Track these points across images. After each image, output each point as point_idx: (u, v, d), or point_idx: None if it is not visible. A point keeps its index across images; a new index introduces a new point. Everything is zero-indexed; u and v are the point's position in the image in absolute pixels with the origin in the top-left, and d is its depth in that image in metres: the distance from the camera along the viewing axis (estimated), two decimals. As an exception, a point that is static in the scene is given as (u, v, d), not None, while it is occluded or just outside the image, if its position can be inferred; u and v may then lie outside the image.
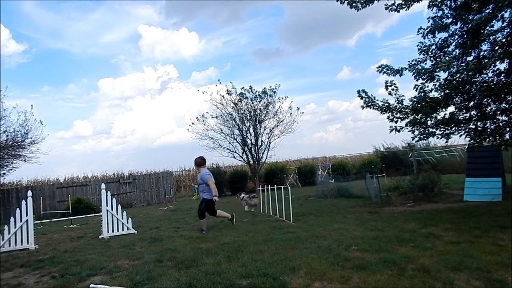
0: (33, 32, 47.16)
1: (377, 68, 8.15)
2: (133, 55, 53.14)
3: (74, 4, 46.81)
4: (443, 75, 7.64)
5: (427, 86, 7.83)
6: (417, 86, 7.88)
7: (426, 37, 8.03)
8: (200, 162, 7.62)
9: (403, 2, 7.73)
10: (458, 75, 7.29)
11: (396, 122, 8.01)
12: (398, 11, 7.92)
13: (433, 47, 8.06)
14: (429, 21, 8.00)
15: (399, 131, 8.00)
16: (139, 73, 52.33)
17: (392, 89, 8.00)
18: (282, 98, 19.61)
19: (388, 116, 8.05)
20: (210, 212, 7.53)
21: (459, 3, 7.29)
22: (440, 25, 7.71)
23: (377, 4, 8.04)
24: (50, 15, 46.64)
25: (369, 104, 8.09)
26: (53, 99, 47.55)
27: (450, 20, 7.68)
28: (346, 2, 7.91)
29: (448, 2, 7.56)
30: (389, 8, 7.94)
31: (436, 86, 7.69)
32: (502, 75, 7.50)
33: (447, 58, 7.73)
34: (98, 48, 50.11)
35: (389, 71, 8.07)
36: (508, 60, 7.23)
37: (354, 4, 7.93)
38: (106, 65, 51.99)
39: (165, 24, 53.53)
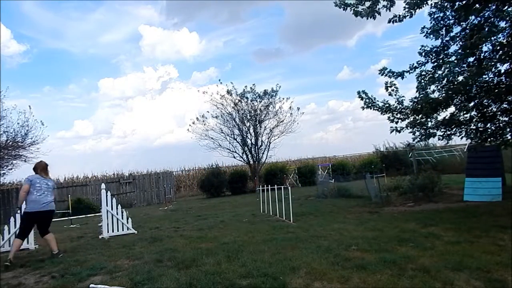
0: (33, 32, 47.18)
1: (379, 71, 8.20)
2: (133, 55, 53.17)
3: (74, 4, 46.79)
4: (443, 75, 7.65)
5: (429, 88, 7.85)
6: (418, 87, 7.90)
7: (428, 36, 8.06)
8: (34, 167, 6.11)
9: (406, 10, 7.69)
10: (459, 77, 7.31)
11: (396, 123, 8.04)
12: (401, 21, 7.91)
13: (434, 49, 8.10)
14: (431, 21, 8.03)
15: (399, 131, 8.03)
16: (139, 73, 52.37)
17: (392, 90, 8.04)
18: (283, 99, 19.66)
19: (389, 117, 8.09)
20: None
21: (460, 4, 7.30)
22: (443, 25, 7.73)
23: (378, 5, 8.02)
24: (51, 15, 46.66)
25: (370, 105, 8.13)
26: (53, 99, 47.60)
27: (452, 21, 7.70)
28: (350, 11, 7.86)
29: (449, 3, 7.57)
30: (392, 21, 7.92)
31: (438, 87, 7.71)
32: (503, 76, 7.51)
33: (448, 60, 7.74)
34: (98, 48, 50.12)
35: (391, 74, 8.10)
36: (509, 62, 7.24)
37: (358, 15, 7.91)
38: (106, 65, 52.01)
39: (166, 24, 53.54)
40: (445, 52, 7.98)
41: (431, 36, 8.03)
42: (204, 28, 55.61)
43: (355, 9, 7.62)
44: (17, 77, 43.63)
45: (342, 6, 7.80)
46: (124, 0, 51.09)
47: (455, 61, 7.63)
